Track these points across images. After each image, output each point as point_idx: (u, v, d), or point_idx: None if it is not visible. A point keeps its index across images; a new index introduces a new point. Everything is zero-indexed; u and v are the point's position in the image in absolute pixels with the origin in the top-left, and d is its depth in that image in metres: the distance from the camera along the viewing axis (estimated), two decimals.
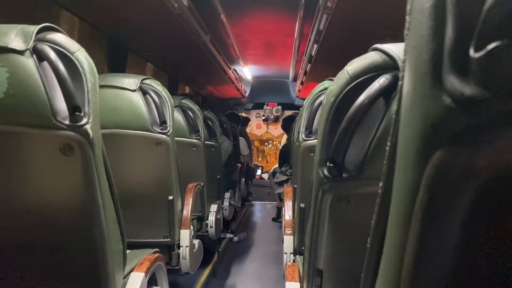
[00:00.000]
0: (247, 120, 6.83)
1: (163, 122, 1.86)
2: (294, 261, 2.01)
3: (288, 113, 7.29)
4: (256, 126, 8.50)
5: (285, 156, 4.54)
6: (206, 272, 3.19)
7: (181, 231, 2.16)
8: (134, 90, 1.76)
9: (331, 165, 0.88)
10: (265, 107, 8.30)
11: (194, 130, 2.73)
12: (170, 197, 2.01)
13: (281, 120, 5.85)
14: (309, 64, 3.55)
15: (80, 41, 1.03)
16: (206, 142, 2.97)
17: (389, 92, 0.79)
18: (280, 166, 4.63)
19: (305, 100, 1.78)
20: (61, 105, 0.96)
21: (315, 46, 2.87)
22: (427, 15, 0.26)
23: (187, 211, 2.25)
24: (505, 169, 0.24)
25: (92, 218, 1.08)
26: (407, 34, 0.31)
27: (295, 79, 5.78)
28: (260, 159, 8.49)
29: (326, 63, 3.19)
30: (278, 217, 4.98)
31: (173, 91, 4.25)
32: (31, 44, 0.93)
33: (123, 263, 1.30)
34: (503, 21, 0.21)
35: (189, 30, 2.52)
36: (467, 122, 0.24)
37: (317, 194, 0.94)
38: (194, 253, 2.28)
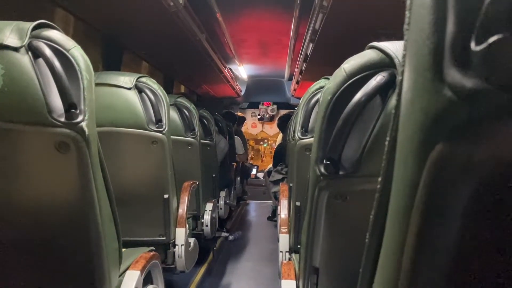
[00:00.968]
0: (242, 119, 6.83)
1: (158, 120, 1.85)
2: (289, 259, 2.01)
3: (283, 112, 7.30)
4: (251, 125, 8.49)
5: (280, 155, 4.53)
6: (202, 270, 3.19)
7: (177, 229, 2.16)
8: (129, 88, 1.75)
9: (328, 162, 0.88)
10: (260, 106, 8.28)
11: (190, 129, 2.72)
12: (166, 196, 2.00)
13: (276, 119, 5.84)
14: (305, 63, 3.56)
15: (75, 39, 1.02)
16: (201, 140, 2.97)
17: (385, 90, 0.79)
18: (275, 165, 4.61)
19: (301, 99, 1.78)
20: (56, 102, 0.95)
21: (311, 45, 2.88)
22: (428, 9, 0.26)
23: (182, 209, 2.24)
24: (506, 162, 0.25)
25: (88, 216, 1.07)
26: (407, 29, 0.31)
27: (290, 78, 5.78)
28: (252, 160, 8.35)
29: (321, 62, 3.19)
30: (273, 216, 4.98)
31: (168, 90, 4.24)
32: (26, 41, 0.92)
33: (119, 261, 1.30)
34: (505, 14, 0.21)
35: (185, 28, 2.51)
36: (468, 115, 0.24)
37: (314, 192, 0.95)
38: (189, 252, 2.28)
